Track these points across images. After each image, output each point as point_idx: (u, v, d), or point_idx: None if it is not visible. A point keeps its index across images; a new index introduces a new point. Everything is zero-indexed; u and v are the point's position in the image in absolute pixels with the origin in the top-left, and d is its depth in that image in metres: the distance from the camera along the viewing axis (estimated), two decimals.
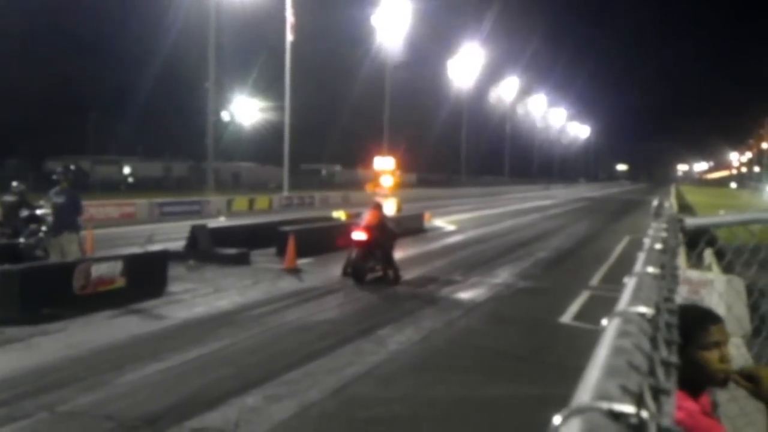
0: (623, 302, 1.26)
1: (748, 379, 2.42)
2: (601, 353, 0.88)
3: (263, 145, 74.69)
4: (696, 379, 2.38)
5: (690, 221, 3.75)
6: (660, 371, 0.89)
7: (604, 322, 1.08)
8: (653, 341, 0.99)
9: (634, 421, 0.68)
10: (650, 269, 1.67)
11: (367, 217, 16.17)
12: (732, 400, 3.93)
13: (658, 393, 0.83)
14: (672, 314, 1.29)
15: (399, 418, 7.36)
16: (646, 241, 2.47)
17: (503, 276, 17.14)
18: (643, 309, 1.16)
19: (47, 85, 75.03)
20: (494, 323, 12.07)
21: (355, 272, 15.65)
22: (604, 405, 0.68)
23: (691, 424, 2.30)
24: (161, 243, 18.37)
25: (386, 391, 8.15)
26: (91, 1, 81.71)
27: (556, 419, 0.67)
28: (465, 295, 14.56)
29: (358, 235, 15.95)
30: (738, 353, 7.27)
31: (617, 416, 0.67)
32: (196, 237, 18.78)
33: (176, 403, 7.50)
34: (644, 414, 0.70)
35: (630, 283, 1.54)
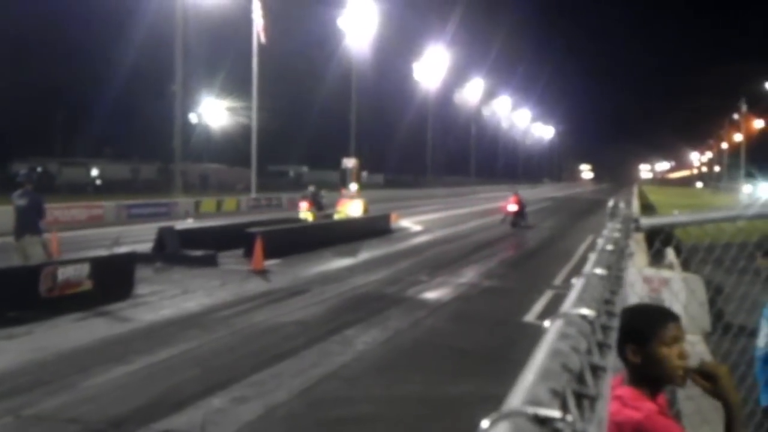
0: (567, 304, 1.28)
1: (706, 377, 2.48)
2: (539, 356, 0.90)
3: (231, 147, 74.35)
4: (656, 376, 2.44)
5: (645, 221, 3.90)
6: (588, 375, 0.90)
7: (546, 323, 1.11)
8: (589, 344, 1.01)
9: (559, 425, 0.69)
10: (598, 270, 1.74)
11: (513, 199, 32.33)
12: (688, 398, 4.08)
13: (582, 398, 0.83)
14: (611, 317, 1.32)
15: (365, 417, 7.46)
16: (599, 241, 2.58)
17: (469, 276, 17.33)
18: (585, 311, 1.17)
19: (13, 87, 73.88)
20: (459, 323, 12.23)
21: (513, 224, 31.39)
22: (531, 410, 0.69)
23: (649, 425, 2.37)
24: (129, 245, 18.25)
25: (353, 391, 8.25)
26: (56, 4, 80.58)
27: (484, 423, 0.67)
28: (431, 295, 14.71)
29: (512, 207, 32.23)
30: (697, 350, 7.48)
31: (543, 421, 0.68)
32: (163, 239, 18.73)
33: (142, 406, 7.53)
34: (569, 418, 0.71)
35: (577, 284, 1.61)
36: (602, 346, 1.06)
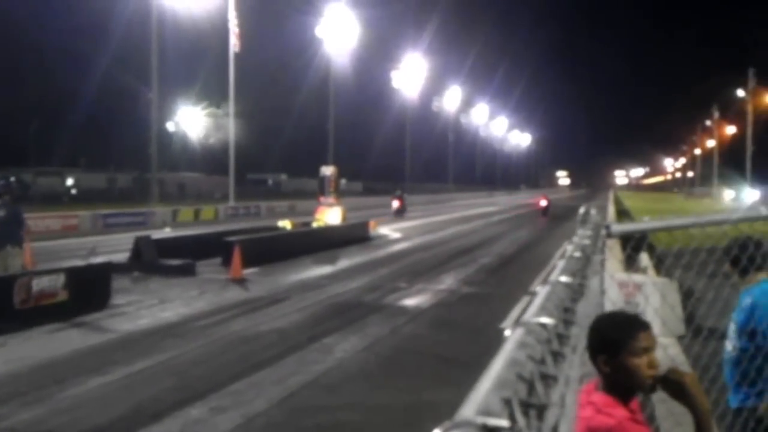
0: (529, 312, 1.28)
1: (673, 385, 2.51)
2: (496, 365, 0.91)
3: (209, 155, 74.09)
4: (626, 385, 2.47)
5: (615, 228, 3.94)
6: (539, 385, 0.91)
7: (507, 332, 1.12)
8: (543, 354, 1.02)
9: None
10: (563, 278, 1.75)
11: (543, 198, 52.33)
12: (661, 401, 4.13)
13: (529, 407, 0.83)
14: (568, 325, 1.32)
15: (345, 425, 7.46)
16: (568, 248, 2.62)
17: (447, 282, 17.37)
18: (545, 320, 1.18)
19: None
20: (439, 329, 12.26)
21: (543, 214, 46.09)
22: (480, 420, 0.70)
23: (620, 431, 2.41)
24: (105, 255, 18.10)
25: (332, 398, 8.24)
26: (31, 11, 79.97)
27: None
28: (410, 301, 14.73)
29: (543, 203, 52.03)
30: (670, 353, 7.56)
31: (492, 431, 0.69)
32: (140, 248, 18.60)
33: (119, 417, 7.48)
34: (517, 429, 0.72)
35: (542, 292, 1.62)
36: (556, 356, 1.06)
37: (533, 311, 1.26)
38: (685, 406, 2.53)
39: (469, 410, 0.73)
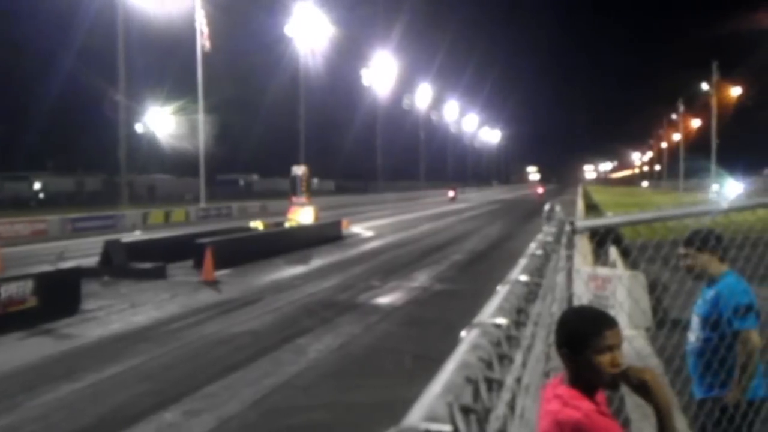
0: (485, 312, 1.29)
1: (632, 381, 2.54)
2: (447, 368, 0.91)
3: (179, 157, 73.45)
4: (590, 380, 2.52)
5: (581, 223, 4.01)
6: (483, 389, 0.90)
7: (463, 333, 1.11)
8: (490, 357, 1.01)
9: None
10: (522, 277, 1.76)
11: (540, 186, 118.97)
12: (629, 393, 4.20)
13: (469, 412, 0.83)
14: (519, 327, 1.31)
15: (319, 425, 7.48)
16: (532, 245, 2.65)
17: (420, 279, 17.44)
18: (500, 320, 1.17)
19: None
20: (412, 327, 12.31)
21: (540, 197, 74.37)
22: (424, 425, 0.71)
23: (588, 424, 2.44)
24: (74, 260, 17.91)
25: (306, 399, 8.25)
26: None
27: None
28: (383, 300, 14.76)
29: (540, 190, 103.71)
30: (638, 346, 7.67)
31: None
32: (110, 252, 18.44)
33: (92, 424, 7.43)
34: None
35: (501, 291, 1.63)
36: (503, 358, 1.07)
37: (490, 311, 1.26)
38: (647, 402, 2.58)
39: (415, 416, 0.74)
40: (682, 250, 4.37)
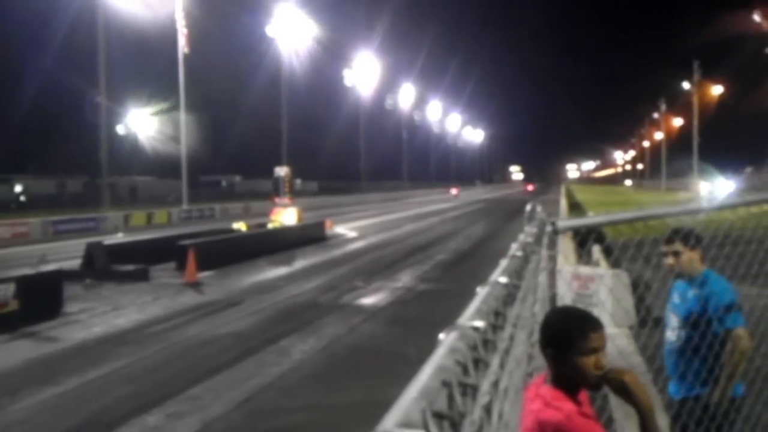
0: (464, 315, 1.27)
1: (612, 383, 2.56)
2: (425, 372, 0.90)
3: (161, 158, 73.05)
4: (572, 381, 2.54)
5: (562, 223, 4.02)
6: (457, 394, 0.90)
7: (441, 336, 1.11)
8: (465, 362, 1.00)
9: None
10: (502, 279, 1.76)
11: (530, 185, 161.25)
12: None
13: (442, 417, 0.83)
14: (497, 330, 1.31)
15: (303, 426, 7.47)
16: (513, 246, 2.66)
17: (404, 280, 17.45)
18: (478, 323, 1.16)
19: None
20: (396, 327, 12.31)
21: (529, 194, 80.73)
22: (397, 431, 0.71)
23: (569, 425, 2.46)
24: (56, 262, 17.75)
25: (290, 400, 8.24)
26: None
27: None
28: (367, 300, 14.77)
29: (530, 187, 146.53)
30: (620, 344, 7.72)
31: None
32: (92, 255, 18.31)
33: (74, 427, 7.38)
34: None
35: (481, 293, 1.62)
36: (479, 363, 1.06)
37: (469, 314, 1.27)
38: (628, 404, 2.59)
39: (390, 422, 0.74)
40: (664, 248, 4.37)
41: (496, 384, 1.27)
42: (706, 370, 4.17)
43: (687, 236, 4.28)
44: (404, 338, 11.42)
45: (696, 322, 4.21)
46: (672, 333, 4.38)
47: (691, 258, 4.29)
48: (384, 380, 8.99)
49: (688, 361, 4.23)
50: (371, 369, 9.61)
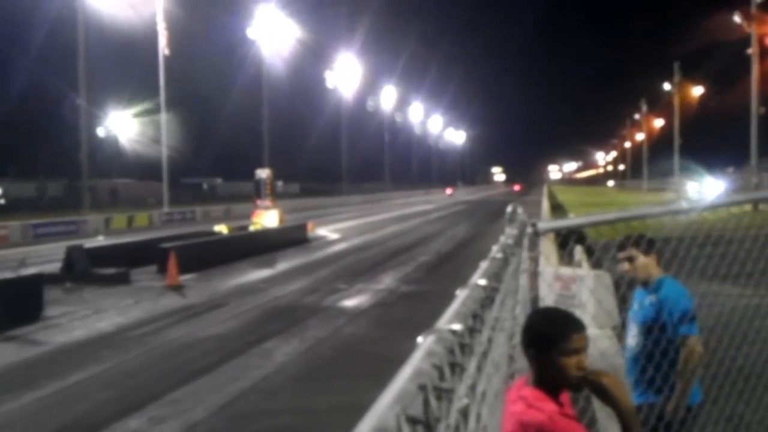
0: (443, 318, 1.26)
1: (592, 385, 2.56)
2: (401, 376, 0.90)
3: (142, 161, 72.62)
4: (554, 381, 2.55)
5: (542, 225, 4.03)
6: (432, 399, 0.90)
7: (419, 339, 1.10)
8: (441, 366, 1.00)
9: None
10: (481, 282, 1.75)
11: (517, 185, 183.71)
12: None
13: (416, 422, 0.82)
14: (473, 333, 1.30)
15: (286, 429, 7.45)
16: (493, 248, 2.66)
17: (387, 282, 17.45)
18: (456, 326, 1.15)
19: None
20: (379, 329, 12.30)
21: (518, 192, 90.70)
22: None
23: (551, 426, 2.46)
24: (36, 266, 17.61)
25: (273, 403, 8.21)
26: None
27: None
28: (350, 302, 14.75)
29: (517, 187, 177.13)
30: (603, 346, 7.75)
31: None
32: (72, 258, 18.16)
33: None
34: None
35: (460, 295, 1.61)
36: (455, 366, 1.06)
37: (447, 317, 1.26)
38: (608, 406, 2.60)
39: (364, 427, 0.74)
40: (618, 254, 4.35)
41: (473, 387, 1.26)
42: (660, 378, 4.13)
43: (639, 241, 4.27)
44: (387, 340, 11.42)
45: (651, 329, 4.18)
46: (632, 339, 4.37)
47: (646, 263, 4.27)
48: (367, 382, 8.98)
49: (644, 368, 4.20)
50: (354, 371, 9.60)
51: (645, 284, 4.32)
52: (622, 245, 4.30)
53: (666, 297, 4.17)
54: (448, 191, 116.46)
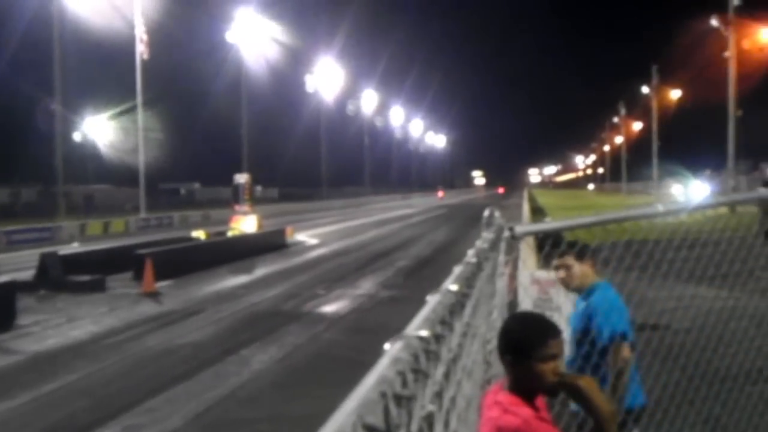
0: (413, 324, 1.24)
1: (568, 388, 2.56)
2: (366, 382, 0.88)
3: (119, 166, 71.99)
4: (530, 386, 2.55)
5: (519, 229, 4.01)
6: (392, 406, 0.88)
7: (386, 346, 1.08)
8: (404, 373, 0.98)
9: None
10: (453, 287, 1.71)
11: (501, 188, 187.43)
12: None
13: (372, 430, 0.81)
14: (440, 339, 1.27)
15: None
16: (469, 252, 2.62)
17: (366, 287, 17.39)
18: (424, 333, 1.13)
19: None
20: (358, 334, 12.23)
21: (502, 197, 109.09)
22: None
23: (526, 430, 2.46)
24: (9, 273, 17.36)
25: (250, 411, 8.12)
26: None
27: None
28: (328, 308, 14.67)
29: (501, 190, 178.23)
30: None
31: None
32: (46, 265, 17.92)
33: None
34: None
35: (431, 301, 1.57)
36: (417, 373, 1.03)
37: (417, 323, 1.23)
38: (585, 410, 2.59)
39: None
40: (556, 262, 4.34)
41: (439, 394, 1.23)
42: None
43: (574, 248, 4.26)
44: (366, 346, 11.36)
45: (584, 335, 4.18)
46: (568, 346, 4.36)
47: (582, 271, 4.27)
48: (346, 389, 8.87)
49: (579, 373, 4.20)
50: (332, 377, 9.51)
51: (579, 291, 4.32)
52: (562, 253, 4.29)
53: (597, 304, 4.16)
54: (440, 194, 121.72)
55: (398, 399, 0.91)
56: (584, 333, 4.18)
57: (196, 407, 8.16)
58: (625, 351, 4.08)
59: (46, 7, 42.05)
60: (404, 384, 0.96)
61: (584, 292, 4.28)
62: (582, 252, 4.24)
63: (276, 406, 8.28)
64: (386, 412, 0.86)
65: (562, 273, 4.30)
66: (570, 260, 4.26)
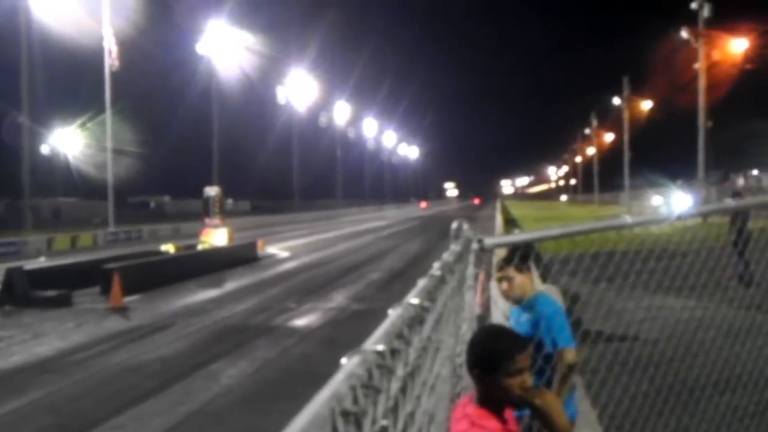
0: (371, 338, 1.22)
1: (528, 403, 2.59)
2: (319, 398, 0.86)
3: (87, 179, 71.17)
4: (498, 400, 2.57)
5: (488, 241, 3.99)
6: (339, 423, 0.87)
7: (344, 360, 1.06)
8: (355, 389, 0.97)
9: None
10: (414, 300, 1.68)
11: (477, 198, 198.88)
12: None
13: None
14: (396, 355, 1.25)
15: None
16: (435, 265, 2.60)
17: (337, 300, 17.31)
18: (381, 347, 1.12)
19: None
20: (330, 348, 12.13)
21: (478, 207, 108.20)
22: None
23: None
24: None
25: (219, 427, 8.01)
26: None
27: None
28: (300, 322, 14.57)
29: (476, 201, 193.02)
30: None
31: None
32: (11, 280, 17.60)
33: None
34: None
35: (392, 314, 1.54)
36: (368, 389, 1.01)
37: (376, 337, 1.19)
38: (543, 425, 2.63)
39: None
40: (497, 274, 4.36)
41: (394, 410, 1.21)
42: None
43: (513, 260, 4.27)
44: (337, 360, 11.27)
45: (534, 346, 4.19)
46: None
47: (523, 282, 4.30)
48: None
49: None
50: (303, 392, 9.37)
51: (519, 302, 4.34)
52: (502, 266, 4.30)
53: (541, 312, 4.19)
54: (423, 204, 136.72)
55: (346, 415, 0.89)
56: (530, 342, 4.16)
57: (164, 424, 8.03)
58: (573, 357, 4.10)
59: (14, 19, 41.58)
60: (355, 400, 0.94)
61: (524, 302, 4.29)
62: (521, 263, 4.25)
63: (246, 422, 8.18)
64: (334, 429, 0.84)
65: (504, 285, 4.32)
66: (511, 272, 4.28)
